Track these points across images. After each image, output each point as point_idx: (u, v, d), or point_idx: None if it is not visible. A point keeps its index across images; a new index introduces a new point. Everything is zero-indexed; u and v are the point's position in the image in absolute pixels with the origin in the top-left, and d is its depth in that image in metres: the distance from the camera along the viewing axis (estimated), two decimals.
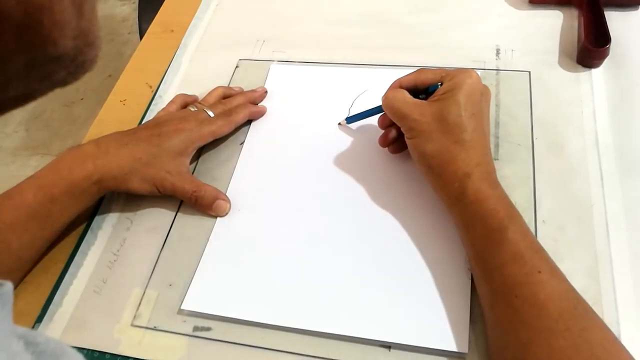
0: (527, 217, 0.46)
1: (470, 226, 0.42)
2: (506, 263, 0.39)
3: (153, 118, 0.57)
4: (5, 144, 1.77)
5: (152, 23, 0.72)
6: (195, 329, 0.45)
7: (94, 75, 1.89)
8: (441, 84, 0.46)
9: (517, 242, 0.39)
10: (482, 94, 0.46)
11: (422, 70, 0.48)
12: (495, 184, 0.43)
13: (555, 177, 0.49)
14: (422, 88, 0.48)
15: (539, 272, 0.37)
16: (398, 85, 0.49)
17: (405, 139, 0.47)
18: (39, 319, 0.47)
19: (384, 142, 0.51)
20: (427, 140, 0.44)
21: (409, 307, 0.43)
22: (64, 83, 0.24)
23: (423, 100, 0.46)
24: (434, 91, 0.46)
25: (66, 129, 1.77)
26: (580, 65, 0.56)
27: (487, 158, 0.44)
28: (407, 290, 0.44)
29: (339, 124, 0.56)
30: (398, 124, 0.47)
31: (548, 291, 0.37)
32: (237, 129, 0.57)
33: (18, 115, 1.83)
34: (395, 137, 0.50)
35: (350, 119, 0.55)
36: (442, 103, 0.44)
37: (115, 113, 0.63)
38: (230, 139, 0.57)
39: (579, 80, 0.55)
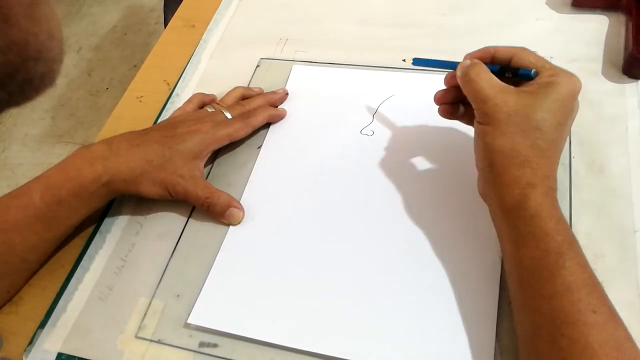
0: None
1: (523, 244, 0.37)
2: (558, 294, 0.34)
3: (168, 118, 0.55)
4: (32, 130, 1.78)
5: (173, 17, 0.70)
6: (202, 344, 0.43)
7: (120, 65, 1.90)
8: (536, 74, 0.41)
9: (574, 272, 0.35)
10: (573, 110, 0.41)
11: (525, 49, 0.43)
12: (557, 204, 0.38)
13: (595, 199, 0.45)
14: (516, 67, 0.42)
15: (594, 311, 0.33)
16: (487, 53, 0.44)
17: (475, 122, 0.42)
18: (42, 325, 0.46)
19: (441, 98, 0.46)
20: (500, 133, 0.39)
21: (429, 336, 0.40)
22: (11, 104, 0.20)
23: (511, 87, 0.41)
24: (523, 75, 0.41)
25: (91, 118, 1.78)
26: (626, 76, 0.52)
27: (555, 174, 0.39)
28: (427, 318, 0.41)
29: (404, 60, 0.50)
30: (472, 104, 0.42)
31: (602, 337, 0.32)
32: (255, 132, 0.54)
33: (45, 102, 1.85)
34: (459, 111, 0.45)
35: (419, 61, 0.49)
36: (533, 98, 0.39)
37: (131, 110, 0.61)
38: (248, 142, 0.54)
39: (625, 93, 0.51)
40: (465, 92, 0.42)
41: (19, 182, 1.67)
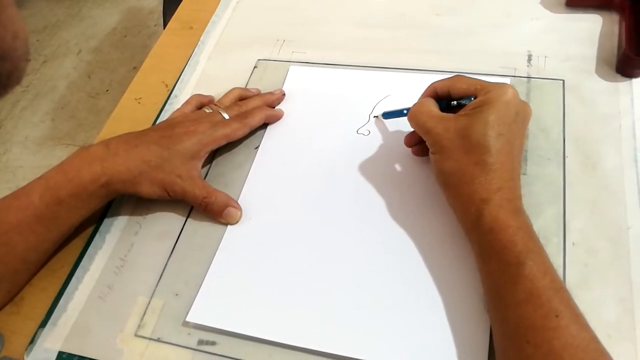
0: (556, 239, 0.43)
1: (486, 258, 0.39)
2: (521, 303, 0.35)
3: (166, 119, 0.55)
4: (32, 133, 1.79)
5: (172, 19, 0.71)
6: (200, 342, 0.43)
7: (119, 68, 1.91)
8: (475, 97, 0.43)
9: (534, 279, 0.35)
10: (518, 114, 0.42)
11: (458, 78, 0.45)
12: (516, 212, 0.39)
13: (588, 196, 0.45)
14: (455, 97, 0.45)
15: (557, 316, 0.34)
16: (432, 90, 0.47)
17: (429, 153, 0.44)
18: (43, 324, 0.46)
19: (409, 141, 0.48)
20: (447, 157, 0.42)
21: (426, 337, 0.40)
22: None
23: (450, 115, 0.43)
24: (467, 103, 0.43)
25: (91, 120, 1.79)
26: (619, 75, 0.52)
27: (511, 183, 0.40)
28: (424, 319, 0.41)
29: (375, 117, 0.53)
30: (422, 137, 0.45)
31: (565, 340, 0.33)
32: (252, 132, 0.55)
33: (45, 105, 1.85)
34: (421, 140, 0.47)
35: (388, 115, 0.52)
36: (469, 119, 0.41)
37: (130, 112, 0.62)
38: (245, 142, 0.55)
39: (618, 91, 0.51)
40: (414, 128, 0.45)
41: (19, 184, 1.67)
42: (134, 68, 1.87)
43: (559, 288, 0.35)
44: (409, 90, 0.54)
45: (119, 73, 1.89)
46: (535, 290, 0.35)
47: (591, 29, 0.57)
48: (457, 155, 0.41)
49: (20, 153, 1.74)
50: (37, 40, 2.09)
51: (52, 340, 0.45)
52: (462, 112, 0.43)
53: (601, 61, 0.54)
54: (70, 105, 1.85)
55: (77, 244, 0.51)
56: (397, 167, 0.50)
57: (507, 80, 0.53)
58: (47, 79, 1.94)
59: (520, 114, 0.42)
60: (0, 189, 1.63)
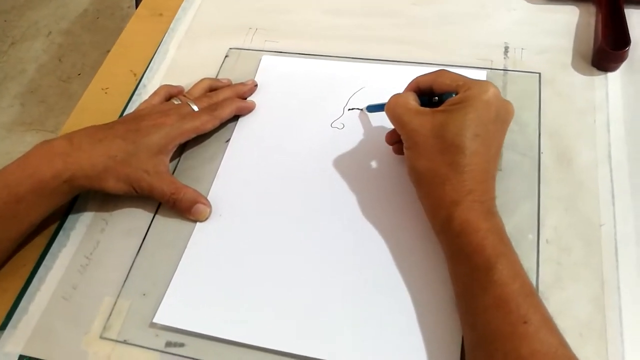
0: (530, 236, 0.43)
1: (456, 261, 0.38)
2: (489, 308, 0.34)
3: (133, 111, 0.53)
4: (1, 118, 1.73)
5: (141, 5, 0.68)
6: (168, 344, 0.42)
7: (91, 51, 1.85)
8: (456, 94, 0.42)
9: (503, 285, 0.34)
10: (498, 114, 0.40)
11: (442, 72, 0.44)
12: (487, 214, 0.38)
13: (563, 193, 0.45)
14: (437, 92, 0.43)
15: (525, 322, 0.33)
16: (415, 84, 0.45)
17: (404, 147, 0.43)
18: (3, 327, 0.44)
19: (391, 138, 0.47)
20: (419, 155, 0.40)
21: (397, 340, 0.39)
22: None
23: (427, 109, 0.42)
24: (447, 99, 0.42)
25: (62, 105, 1.73)
26: (595, 69, 0.52)
27: (484, 185, 0.39)
28: (396, 321, 0.40)
29: (361, 110, 0.52)
30: (397, 130, 0.44)
31: (533, 347, 0.32)
32: (223, 125, 0.53)
33: (14, 88, 1.79)
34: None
35: (372, 108, 0.50)
36: (445, 117, 0.40)
37: (97, 102, 0.59)
38: (215, 135, 0.53)
39: (594, 85, 0.51)
40: (391, 121, 0.44)
41: None
42: (107, 51, 1.82)
43: (529, 293, 0.35)
44: (384, 82, 0.53)
45: (91, 57, 1.84)
46: (504, 295, 0.34)
47: (568, 21, 0.56)
48: (430, 154, 0.40)
49: None
50: (5, 20, 2.01)
51: (13, 343, 0.43)
52: (440, 107, 0.42)
53: (577, 54, 0.53)
54: (40, 90, 1.79)
55: (40, 241, 0.49)
56: (372, 162, 0.49)
57: (483, 73, 0.52)
58: (16, 61, 1.88)
59: (501, 115, 0.41)
60: None
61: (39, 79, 1.81)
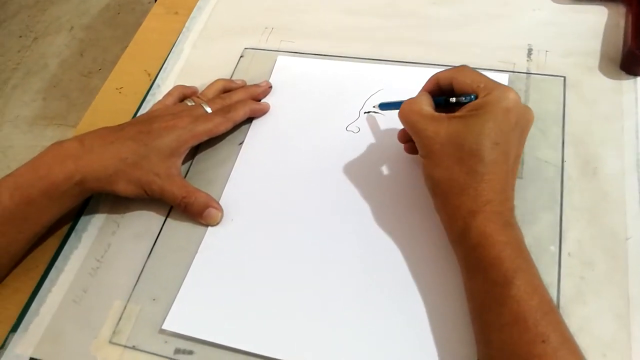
0: (551, 248, 0.41)
1: (472, 274, 0.37)
2: (506, 325, 0.33)
3: (146, 112, 0.52)
4: (24, 112, 1.75)
5: (156, 4, 0.68)
6: (177, 351, 0.41)
7: (112, 46, 1.86)
8: (475, 97, 0.40)
9: (521, 301, 0.33)
10: (518, 122, 0.39)
11: (463, 69, 0.42)
12: (506, 226, 0.36)
13: (587, 204, 0.43)
14: (457, 91, 0.41)
15: (543, 341, 0.31)
16: (434, 81, 0.43)
17: (419, 155, 0.41)
18: (14, 328, 0.44)
19: (403, 137, 0.46)
20: (436, 163, 0.39)
21: (410, 351, 0.38)
22: None
23: (443, 115, 0.40)
24: (466, 102, 0.40)
25: (82, 99, 1.75)
26: (623, 72, 0.49)
27: (503, 195, 0.37)
28: (409, 332, 0.39)
29: (373, 106, 0.50)
30: (413, 138, 0.42)
31: None
32: (236, 127, 0.52)
33: (36, 83, 1.82)
34: None
35: (385, 106, 0.49)
36: (462, 123, 0.38)
37: (111, 102, 0.59)
38: (228, 138, 0.52)
39: (621, 90, 0.48)
40: (404, 126, 0.42)
41: (10, 164, 1.65)
42: (127, 46, 1.83)
43: (548, 310, 0.33)
44: (402, 84, 0.52)
45: (112, 51, 1.85)
46: (521, 312, 0.33)
47: (596, 22, 0.54)
48: (447, 163, 0.38)
49: (11, 133, 1.71)
50: (29, 16, 2.04)
51: (24, 346, 0.43)
52: (457, 112, 0.40)
53: (605, 57, 0.51)
54: (62, 84, 1.81)
55: (53, 242, 0.49)
56: (387, 167, 0.47)
57: (505, 76, 0.51)
58: (39, 56, 1.90)
59: (521, 122, 0.39)
60: None
61: (60, 73, 1.83)
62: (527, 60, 0.52)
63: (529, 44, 0.53)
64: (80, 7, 2.03)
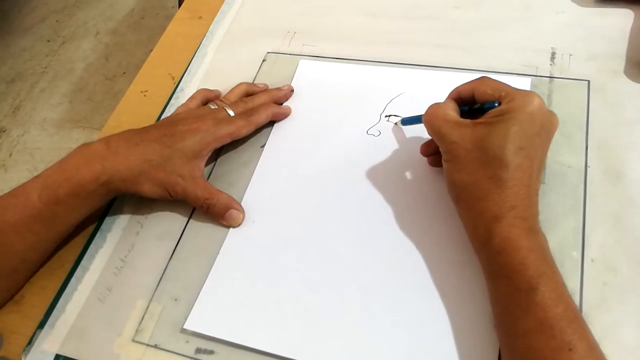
0: (574, 254, 0.41)
1: (495, 280, 0.36)
2: (531, 332, 0.33)
3: (170, 115, 0.53)
4: (50, 115, 1.79)
5: (181, 7, 0.69)
6: (198, 351, 0.42)
7: (136, 50, 1.89)
8: (499, 104, 0.40)
9: (546, 308, 0.33)
10: (543, 126, 0.38)
11: (483, 80, 0.42)
12: (530, 231, 0.36)
13: (610, 209, 0.42)
14: (479, 101, 0.42)
15: (570, 349, 0.31)
16: (456, 94, 0.44)
17: (442, 160, 0.41)
18: (41, 325, 0.45)
19: (426, 150, 0.46)
20: (460, 168, 0.39)
21: (432, 354, 0.38)
22: None
23: (467, 121, 0.40)
24: (489, 109, 0.40)
25: (107, 102, 1.78)
26: None
27: (528, 201, 0.37)
28: (432, 336, 0.39)
29: (395, 124, 0.50)
30: (436, 142, 0.42)
31: None
32: (258, 130, 0.53)
33: (63, 86, 1.86)
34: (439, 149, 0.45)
35: (407, 121, 0.49)
36: (487, 129, 0.38)
37: (135, 105, 0.60)
38: (251, 141, 0.53)
39: None
40: (429, 133, 0.42)
41: (37, 166, 1.68)
42: (151, 50, 1.86)
43: (574, 317, 0.33)
44: (424, 88, 0.52)
45: (136, 55, 1.88)
46: (547, 319, 0.32)
47: (621, 25, 0.53)
48: (471, 168, 0.38)
49: (39, 135, 1.75)
50: (57, 21, 2.09)
51: (50, 342, 0.44)
52: (482, 119, 0.40)
53: (630, 61, 0.50)
54: (87, 88, 1.85)
55: (79, 242, 0.50)
56: (408, 172, 0.47)
57: (528, 80, 0.50)
58: (66, 60, 1.94)
59: (545, 127, 0.39)
60: (19, 170, 1.65)
61: (86, 77, 1.87)
62: (551, 64, 0.51)
63: (552, 48, 0.53)
64: (106, 12, 2.07)
